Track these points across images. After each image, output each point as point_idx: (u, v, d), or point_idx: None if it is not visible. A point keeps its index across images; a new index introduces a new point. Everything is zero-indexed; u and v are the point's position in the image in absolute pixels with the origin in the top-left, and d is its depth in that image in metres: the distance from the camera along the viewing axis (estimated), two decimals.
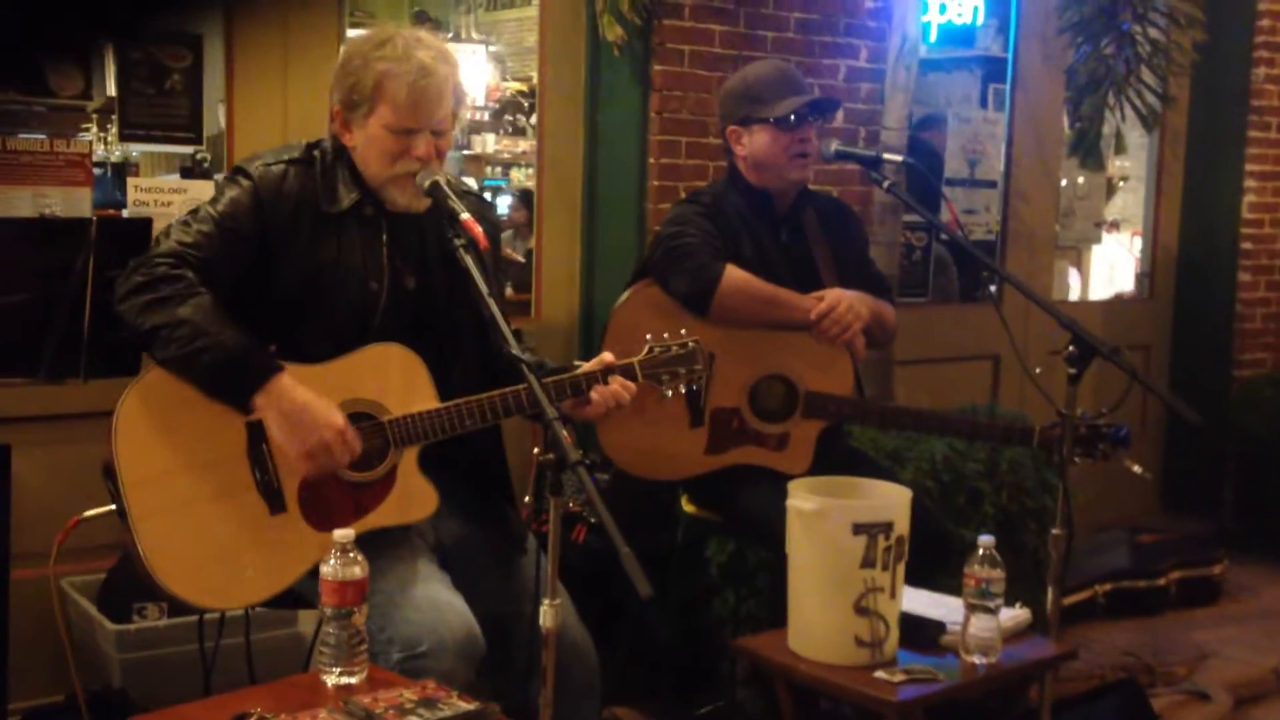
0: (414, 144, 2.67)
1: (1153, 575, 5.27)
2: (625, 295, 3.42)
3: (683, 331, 2.83)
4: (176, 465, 2.54)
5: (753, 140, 3.43)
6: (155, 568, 2.50)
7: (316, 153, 2.74)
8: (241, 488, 2.57)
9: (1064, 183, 6.23)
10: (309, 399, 2.54)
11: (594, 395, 2.69)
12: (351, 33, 7.32)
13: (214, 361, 2.50)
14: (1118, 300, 6.66)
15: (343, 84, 2.70)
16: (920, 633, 2.84)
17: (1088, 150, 4.97)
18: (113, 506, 2.55)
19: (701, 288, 3.27)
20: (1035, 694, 3.14)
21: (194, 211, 2.66)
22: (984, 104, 6.34)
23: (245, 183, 2.67)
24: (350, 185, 2.72)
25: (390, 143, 2.67)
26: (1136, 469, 3.17)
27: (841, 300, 3.34)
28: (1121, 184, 7.73)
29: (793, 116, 3.38)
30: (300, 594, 2.63)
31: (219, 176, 4.61)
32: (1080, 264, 7.55)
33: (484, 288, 2.55)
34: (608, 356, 2.75)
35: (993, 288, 5.65)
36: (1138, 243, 7.02)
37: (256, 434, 2.57)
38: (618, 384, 2.71)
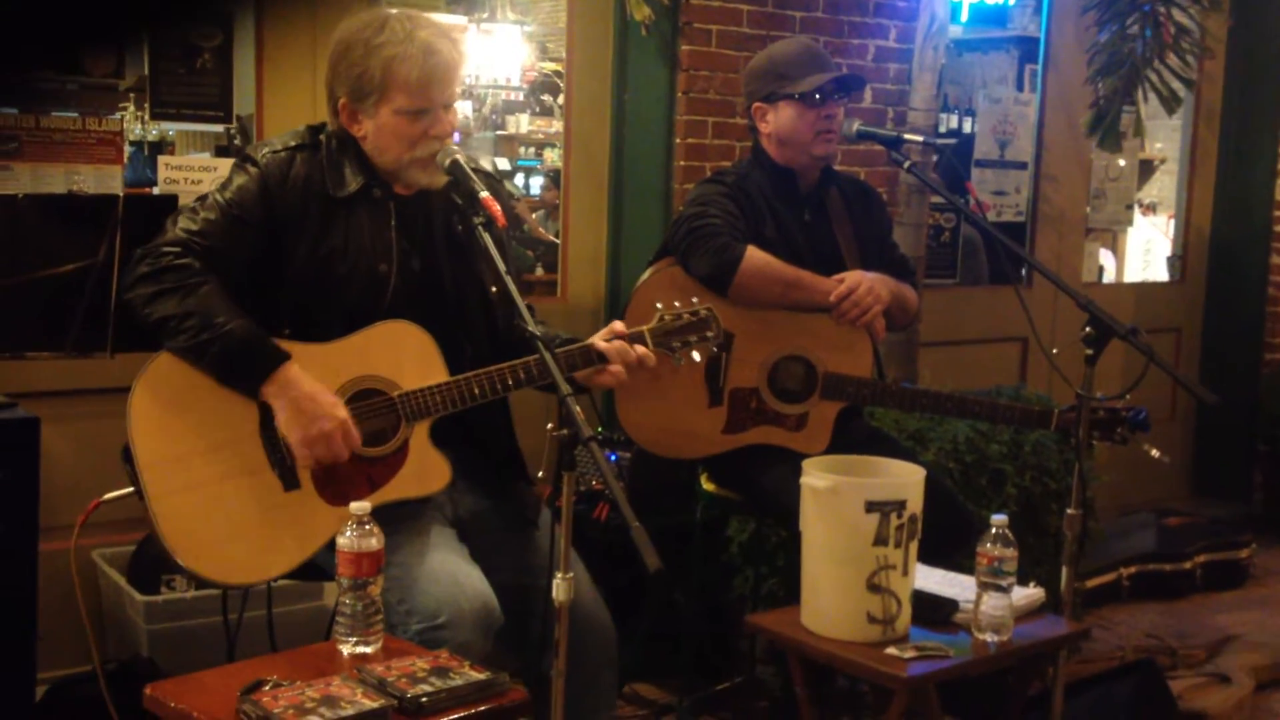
0: (430, 123, 2.69)
1: (1179, 558, 5.26)
2: (646, 274, 3.44)
3: (694, 300, 2.85)
4: (191, 446, 2.57)
5: (778, 117, 3.44)
6: (173, 546, 2.54)
7: (322, 137, 2.77)
8: (255, 466, 2.60)
9: (1106, 163, 6.19)
10: (315, 389, 2.58)
11: (607, 350, 2.70)
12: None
13: (222, 352, 2.54)
14: (1149, 283, 6.63)
15: (347, 75, 2.69)
16: (933, 610, 2.85)
17: (1105, 132, 4.93)
18: (132, 489, 2.60)
19: (722, 268, 3.28)
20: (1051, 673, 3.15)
21: (202, 199, 2.69)
22: (1020, 85, 6.32)
23: (252, 170, 2.70)
24: (357, 169, 2.74)
25: (406, 126, 2.68)
26: (1155, 453, 3.17)
27: (862, 282, 3.35)
28: (1160, 166, 7.68)
29: (818, 94, 3.39)
30: (324, 567, 2.68)
31: None
32: (1115, 246, 7.52)
33: (502, 266, 2.58)
34: (618, 325, 2.77)
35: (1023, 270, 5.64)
36: (1174, 225, 6.98)
37: (268, 413, 2.61)
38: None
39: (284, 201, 2.69)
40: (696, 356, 2.83)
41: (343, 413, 2.59)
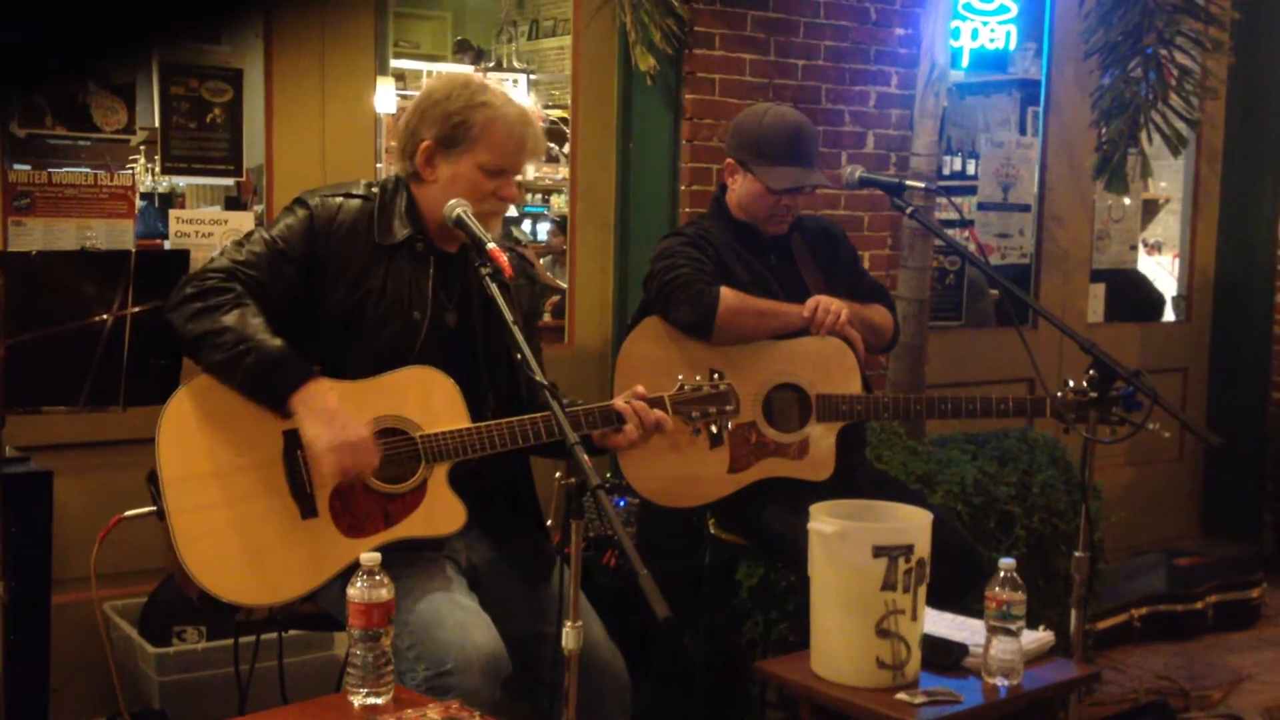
0: (502, 186, 2.81)
1: (1190, 598, 5.25)
2: (630, 335, 3.48)
3: (715, 375, 2.92)
4: (215, 467, 2.64)
5: (743, 183, 3.52)
6: (188, 561, 2.59)
7: (375, 189, 2.87)
8: (276, 491, 2.66)
9: (1109, 203, 6.22)
10: (342, 405, 2.64)
11: (624, 408, 2.76)
12: (395, 63, 7.47)
13: (255, 364, 2.60)
14: (1154, 323, 6.64)
15: (443, 119, 2.80)
16: (942, 655, 2.85)
17: (1112, 174, 4.97)
18: (153, 508, 2.64)
19: (702, 313, 3.35)
20: (1062, 717, 3.15)
21: (248, 234, 2.79)
22: (1023, 128, 6.35)
23: (301, 212, 2.80)
24: (405, 221, 2.84)
25: (482, 181, 2.79)
26: (1153, 426, 3.15)
27: (821, 297, 3.43)
28: (1165, 205, 7.69)
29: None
30: (335, 616, 2.70)
31: (257, 207, 4.72)
32: None
33: (509, 315, 2.61)
34: (640, 389, 2.83)
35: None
36: (1179, 265, 6.99)
37: (292, 442, 2.67)
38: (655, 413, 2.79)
39: (328, 242, 2.78)
40: (714, 430, 2.91)
41: (366, 429, 2.64)
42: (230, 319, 2.62)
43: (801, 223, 3.65)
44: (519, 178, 2.87)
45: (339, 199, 2.82)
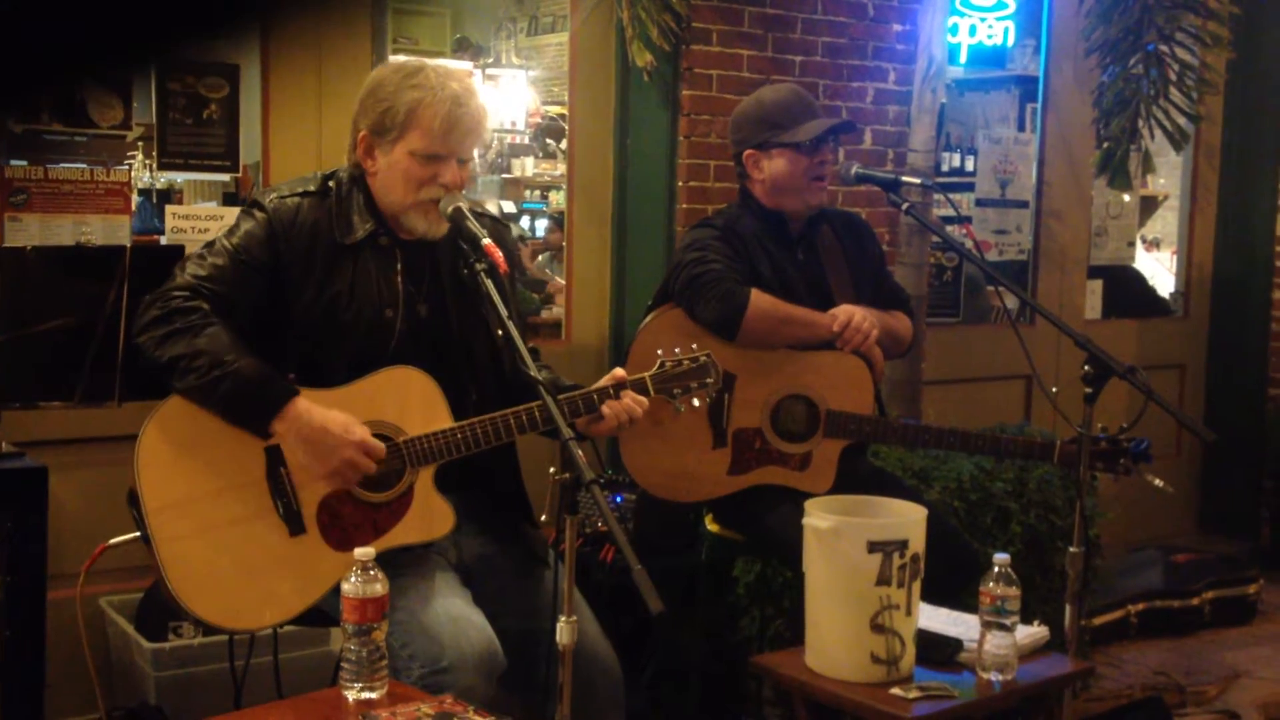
0: (441, 170, 2.73)
1: (1187, 595, 5.24)
2: (648, 319, 3.46)
3: (694, 346, 2.87)
4: (197, 491, 2.60)
5: (772, 164, 3.46)
6: (179, 591, 2.56)
7: (331, 184, 2.81)
8: (261, 511, 2.63)
9: (1107, 200, 6.22)
10: (326, 419, 2.60)
11: (605, 410, 2.74)
12: (394, 59, 7.50)
13: (232, 390, 2.56)
14: (1152, 319, 6.64)
15: (373, 110, 2.76)
16: (937, 650, 2.85)
17: (1115, 170, 4.97)
18: (137, 533, 2.62)
19: (730, 314, 3.30)
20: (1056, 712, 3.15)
21: (209, 245, 2.73)
22: (1021, 124, 6.35)
23: (259, 215, 2.74)
24: (365, 215, 2.78)
25: (417, 168, 2.73)
26: (1158, 483, 3.18)
27: (855, 311, 3.39)
28: (1163, 202, 7.70)
29: (812, 141, 3.42)
30: (330, 613, 2.69)
31: None
32: None
33: (504, 311, 2.61)
34: (619, 372, 2.80)
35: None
36: (1177, 261, 6.99)
37: (275, 458, 2.63)
38: (629, 398, 2.76)
39: (290, 246, 2.72)
40: (696, 403, 2.86)
41: (357, 433, 2.61)
42: (202, 341, 2.57)
43: (829, 216, 3.63)
44: (461, 161, 2.76)
45: (295, 198, 2.76)
